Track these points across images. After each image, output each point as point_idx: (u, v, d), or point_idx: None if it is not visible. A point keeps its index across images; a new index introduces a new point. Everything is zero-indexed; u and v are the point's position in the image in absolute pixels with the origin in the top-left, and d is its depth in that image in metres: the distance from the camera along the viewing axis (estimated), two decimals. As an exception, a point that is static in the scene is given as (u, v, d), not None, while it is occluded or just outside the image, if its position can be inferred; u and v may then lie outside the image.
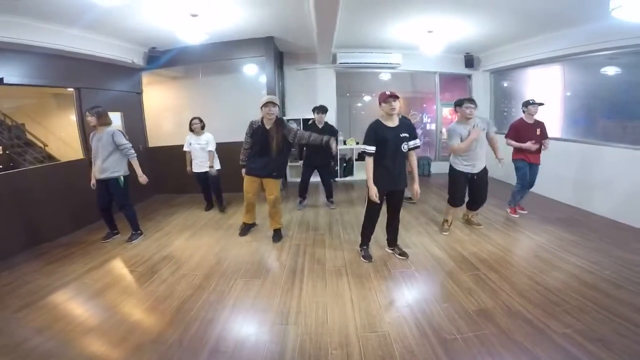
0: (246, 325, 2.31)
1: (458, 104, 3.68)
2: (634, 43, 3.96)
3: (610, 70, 4.70)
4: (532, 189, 4.49)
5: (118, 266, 3.36)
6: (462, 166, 3.69)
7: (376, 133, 2.92)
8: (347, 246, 3.54)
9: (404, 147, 2.95)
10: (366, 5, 4.22)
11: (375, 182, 2.95)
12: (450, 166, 3.83)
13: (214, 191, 5.13)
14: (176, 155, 5.96)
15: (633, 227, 3.94)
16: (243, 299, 2.62)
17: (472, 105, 3.56)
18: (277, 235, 3.84)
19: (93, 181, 3.77)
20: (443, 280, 2.82)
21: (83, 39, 4.43)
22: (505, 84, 7.06)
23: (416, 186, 3.04)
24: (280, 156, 3.62)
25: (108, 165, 3.68)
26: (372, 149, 2.92)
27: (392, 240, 3.36)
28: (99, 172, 3.69)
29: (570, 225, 4.03)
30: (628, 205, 4.09)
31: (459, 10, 4.35)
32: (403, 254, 3.27)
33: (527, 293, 2.56)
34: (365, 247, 3.32)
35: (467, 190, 3.85)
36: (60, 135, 6.48)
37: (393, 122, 2.95)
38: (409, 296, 2.61)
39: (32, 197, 3.99)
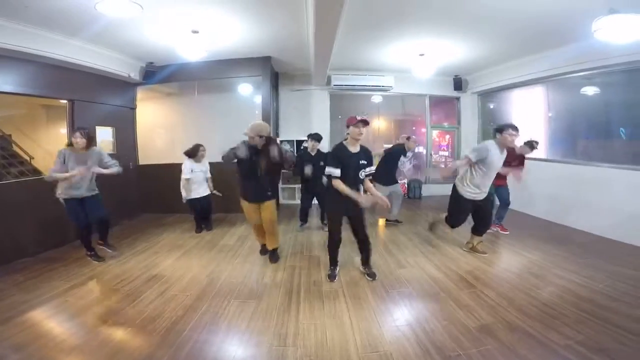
0: (243, 347, 2.21)
1: (499, 129, 3.43)
2: (611, 63, 4.22)
3: (590, 91, 4.97)
4: (521, 209, 4.57)
5: (103, 284, 3.21)
6: (469, 193, 3.52)
7: (340, 157, 2.96)
8: (343, 267, 3.47)
9: (362, 174, 2.99)
10: (361, 28, 4.39)
11: (332, 206, 3.09)
12: (455, 189, 3.64)
13: (207, 214, 5.10)
14: (166, 174, 5.88)
15: (620, 242, 4.09)
16: (238, 320, 2.52)
17: (515, 133, 3.37)
18: (275, 256, 3.75)
19: (65, 196, 3.52)
20: (441, 299, 2.80)
21: (82, 49, 4.43)
22: (492, 106, 7.33)
23: (362, 198, 2.96)
24: (268, 175, 3.46)
25: (94, 184, 3.69)
26: (337, 172, 2.90)
27: (364, 260, 3.33)
28: (86, 190, 3.59)
29: (560, 243, 4.12)
30: (613, 221, 4.24)
31: (449, 33, 4.57)
32: (372, 274, 3.23)
33: (525, 308, 2.57)
34: (332, 267, 3.31)
35: (471, 216, 3.76)
36: (47, 148, 6.31)
37: (355, 148, 2.99)
38: (408, 315, 2.57)
39: (15, 210, 3.84)
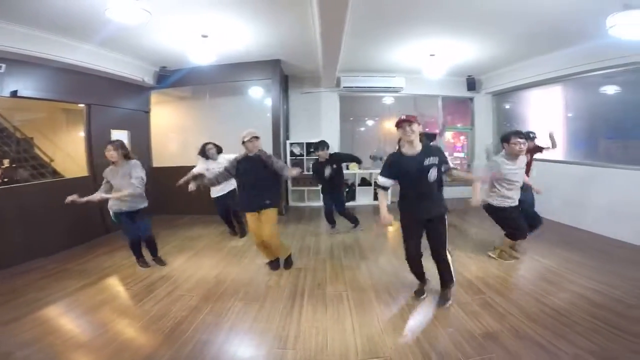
0: (243, 348, 2.24)
1: (505, 139, 3.32)
2: (630, 61, 4.04)
3: (610, 89, 4.77)
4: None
5: (113, 284, 3.31)
6: (506, 203, 3.36)
7: (391, 167, 2.63)
8: (348, 271, 3.46)
9: (432, 175, 2.51)
10: (370, 29, 4.36)
11: (404, 209, 2.69)
12: (492, 206, 3.42)
13: (234, 214, 4.85)
14: (179, 176, 5.97)
15: (640, 246, 3.89)
16: (241, 321, 2.54)
17: (521, 140, 3.21)
18: (288, 262, 3.63)
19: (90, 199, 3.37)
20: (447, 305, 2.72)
21: (97, 55, 4.58)
22: (507, 106, 7.13)
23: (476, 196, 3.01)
24: (268, 182, 3.34)
25: (137, 198, 3.47)
26: (384, 181, 2.64)
27: (442, 283, 2.80)
28: (127, 206, 3.43)
29: (576, 247, 3.96)
30: (634, 226, 4.04)
31: (460, 33, 4.48)
32: (443, 297, 2.76)
33: (535, 315, 2.47)
34: (417, 288, 2.91)
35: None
36: (66, 151, 6.55)
37: (414, 149, 2.55)
38: (412, 321, 2.52)
39: (34, 211, 4.01)
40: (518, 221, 3.46)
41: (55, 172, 6.20)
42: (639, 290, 2.79)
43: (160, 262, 3.79)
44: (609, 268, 3.30)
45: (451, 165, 2.69)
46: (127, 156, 3.45)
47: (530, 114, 6.38)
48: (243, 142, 3.28)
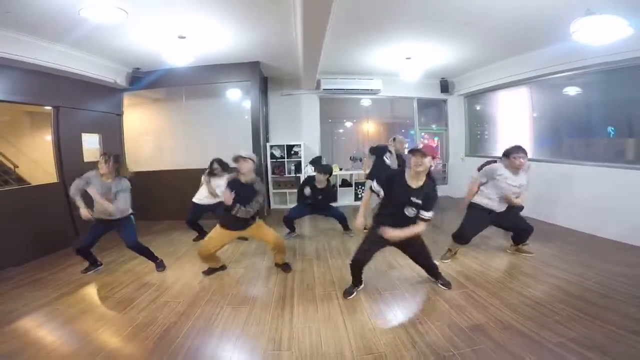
0: (237, 353, 2.20)
1: (506, 154, 3.38)
2: (590, 64, 4.35)
3: (572, 91, 5.12)
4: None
5: (93, 292, 3.16)
6: (485, 202, 3.48)
7: (388, 177, 2.78)
8: (336, 271, 3.49)
9: (409, 211, 2.62)
10: (350, 32, 4.43)
11: (375, 220, 2.82)
12: (472, 202, 3.57)
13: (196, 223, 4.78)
14: (154, 181, 5.82)
15: (607, 239, 4.19)
16: (231, 325, 2.50)
17: (522, 155, 3.30)
18: (288, 266, 3.63)
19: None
20: (433, 299, 2.82)
21: (68, 55, 4.36)
22: (478, 107, 7.45)
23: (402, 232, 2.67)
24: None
25: (121, 207, 3.34)
26: (375, 185, 2.76)
27: (435, 274, 3.09)
28: (110, 214, 3.32)
29: (548, 241, 4.19)
30: (598, 219, 4.36)
31: (434, 37, 4.66)
32: (446, 284, 3.03)
33: (517, 307, 2.60)
34: (351, 285, 2.98)
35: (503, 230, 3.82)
36: (32, 156, 6.17)
37: (415, 182, 2.64)
38: (401, 316, 2.59)
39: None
40: (471, 226, 3.52)
41: (20, 179, 5.85)
42: (609, 280, 3.00)
43: (160, 265, 3.71)
44: (580, 260, 3.53)
45: (428, 216, 2.62)
46: (119, 171, 3.33)
47: (499, 115, 6.71)
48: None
